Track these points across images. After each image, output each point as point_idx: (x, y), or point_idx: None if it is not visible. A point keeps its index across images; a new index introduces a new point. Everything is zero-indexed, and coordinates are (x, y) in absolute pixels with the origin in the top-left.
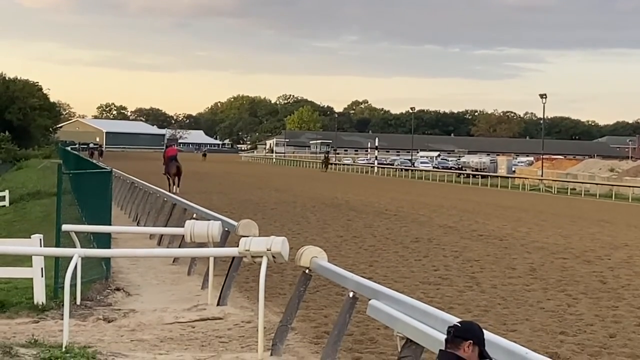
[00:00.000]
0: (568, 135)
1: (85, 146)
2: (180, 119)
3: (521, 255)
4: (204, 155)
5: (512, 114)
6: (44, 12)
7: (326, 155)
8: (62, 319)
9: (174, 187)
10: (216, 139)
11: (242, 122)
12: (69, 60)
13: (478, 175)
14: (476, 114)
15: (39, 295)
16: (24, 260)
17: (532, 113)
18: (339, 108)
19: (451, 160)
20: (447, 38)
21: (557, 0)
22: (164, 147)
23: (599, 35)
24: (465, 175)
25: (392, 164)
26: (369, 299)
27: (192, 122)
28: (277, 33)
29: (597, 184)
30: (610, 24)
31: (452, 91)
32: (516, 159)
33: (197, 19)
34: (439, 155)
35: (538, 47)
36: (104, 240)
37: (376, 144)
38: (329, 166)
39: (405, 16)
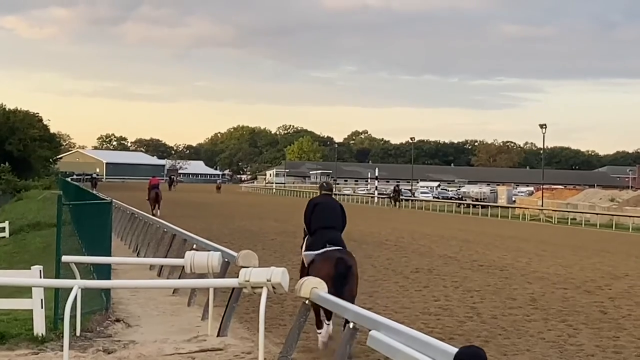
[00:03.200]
0: (568, 165)
1: (89, 177)
2: (180, 149)
3: (522, 285)
4: (218, 188)
5: (512, 144)
6: (43, 43)
7: (396, 187)
8: (62, 351)
9: (155, 210)
10: (216, 169)
11: (242, 152)
12: (69, 91)
13: (478, 205)
14: (476, 144)
15: (39, 327)
16: (24, 291)
17: (532, 143)
18: (338, 138)
19: (451, 190)
20: (446, 68)
21: (556, 30)
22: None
23: (598, 65)
24: (466, 205)
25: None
26: (369, 330)
27: (192, 153)
28: (276, 63)
29: (597, 213)
30: (610, 54)
31: (451, 121)
32: (516, 188)
33: (197, 50)
34: (439, 185)
35: (537, 77)
36: (104, 271)
37: (376, 174)
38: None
39: (403, 46)
